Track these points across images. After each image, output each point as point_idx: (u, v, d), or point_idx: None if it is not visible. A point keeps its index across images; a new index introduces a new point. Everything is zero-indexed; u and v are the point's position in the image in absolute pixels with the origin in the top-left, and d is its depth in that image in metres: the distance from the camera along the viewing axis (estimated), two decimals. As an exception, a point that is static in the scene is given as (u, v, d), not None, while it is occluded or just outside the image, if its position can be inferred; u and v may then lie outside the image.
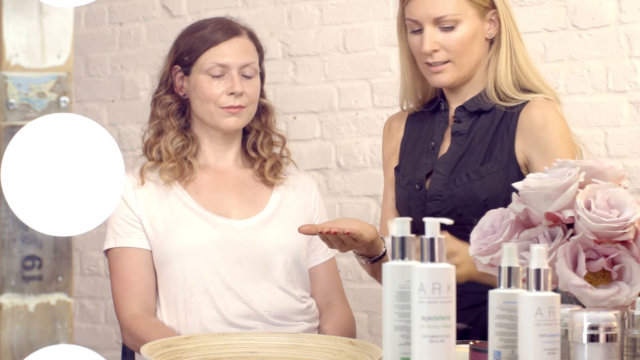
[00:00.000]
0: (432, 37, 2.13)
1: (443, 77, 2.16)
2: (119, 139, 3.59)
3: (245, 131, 2.38)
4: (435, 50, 2.14)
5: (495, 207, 1.80)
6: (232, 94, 2.27)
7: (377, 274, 2.14)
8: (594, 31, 2.88)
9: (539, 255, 1.40)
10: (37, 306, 1.36)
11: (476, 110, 2.19)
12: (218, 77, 2.28)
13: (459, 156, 2.18)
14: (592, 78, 2.88)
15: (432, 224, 1.38)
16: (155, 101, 2.36)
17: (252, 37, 2.36)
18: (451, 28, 2.13)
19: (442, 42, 2.14)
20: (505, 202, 1.78)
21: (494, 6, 2.17)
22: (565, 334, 1.45)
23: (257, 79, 2.33)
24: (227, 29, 2.32)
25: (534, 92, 2.16)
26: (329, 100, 3.28)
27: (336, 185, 3.26)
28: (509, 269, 1.44)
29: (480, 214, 1.78)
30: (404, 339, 1.39)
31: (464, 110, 2.20)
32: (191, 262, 2.24)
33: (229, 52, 2.29)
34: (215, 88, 2.28)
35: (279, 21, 3.35)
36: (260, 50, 2.36)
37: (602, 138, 2.86)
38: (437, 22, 2.13)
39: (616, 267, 1.56)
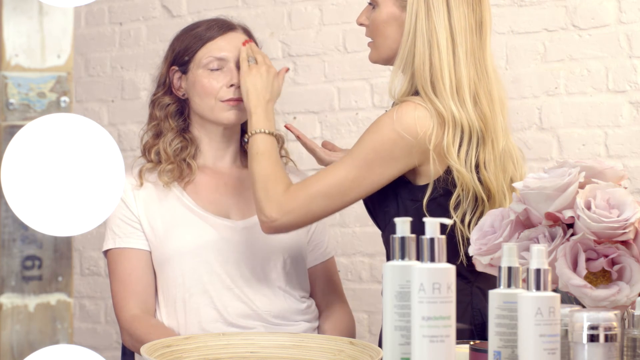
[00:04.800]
0: (365, 11, 2.15)
1: (369, 54, 2.17)
2: (119, 139, 3.59)
3: (244, 131, 2.38)
4: (365, 26, 2.15)
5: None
6: (231, 86, 2.27)
7: None
8: (594, 31, 2.88)
9: (539, 255, 1.40)
10: (37, 306, 1.36)
11: None
12: (216, 70, 2.28)
13: None
14: (592, 78, 2.88)
15: (432, 224, 1.38)
16: (154, 103, 2.36)
17: (247, 32, 2.36)
18: (374, 8, 2.13)
19: (369, 19, 2.15)
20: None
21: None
22: (565, 334, 1.45)
23: None
24: (221, 25, 2.33)
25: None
26: (329, 100, 3.28)
27: (336, 185, 3.25)
28: (509, 269, 1.44)
29: None
30: (404, 339, 1.39)
31: None
32: (190, 263, 2.23)
33: (226, 46, 2.29)
34: (215, 81, 2.28)
35: (279, 21, 3.35)
36: (255, 45, 2.36)
37: (602, 138, 2.86)
38: None
39: (616, 267, 1.56)
